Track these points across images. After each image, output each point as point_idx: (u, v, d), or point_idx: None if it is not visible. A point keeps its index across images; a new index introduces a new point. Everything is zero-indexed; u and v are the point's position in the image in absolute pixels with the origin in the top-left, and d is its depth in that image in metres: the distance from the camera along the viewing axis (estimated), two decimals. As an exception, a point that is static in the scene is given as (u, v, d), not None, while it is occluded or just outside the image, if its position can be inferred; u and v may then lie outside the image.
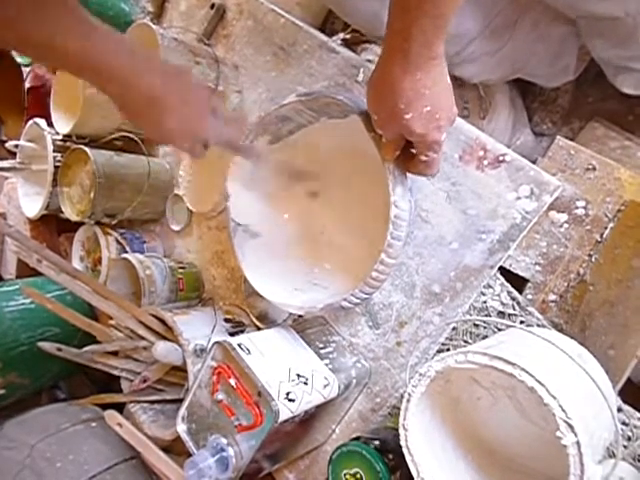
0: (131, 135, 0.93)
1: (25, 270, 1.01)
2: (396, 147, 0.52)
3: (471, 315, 0.61)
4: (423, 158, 0.51)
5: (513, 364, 0.42)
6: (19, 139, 1.00)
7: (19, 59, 0.95)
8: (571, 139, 0.76)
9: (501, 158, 0.58)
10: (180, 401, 0.61)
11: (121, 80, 0.49)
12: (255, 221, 0.70)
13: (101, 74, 0.49)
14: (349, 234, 0.69)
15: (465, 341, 0.62)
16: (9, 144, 1.00)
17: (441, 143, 0.50)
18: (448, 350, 0.62)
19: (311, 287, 0.67)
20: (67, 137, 0.92)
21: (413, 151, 0.52)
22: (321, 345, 0.66)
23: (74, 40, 0.47)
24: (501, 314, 0.61)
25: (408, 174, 0.55)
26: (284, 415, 0.52)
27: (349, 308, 0.59)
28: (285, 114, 0.63)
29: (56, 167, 0.91)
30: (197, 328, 0.71)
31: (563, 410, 0.40)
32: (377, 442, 0.56)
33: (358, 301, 0.57)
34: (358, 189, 0.67)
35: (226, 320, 0.77)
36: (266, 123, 0.64)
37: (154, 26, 0.71)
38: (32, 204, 0.99)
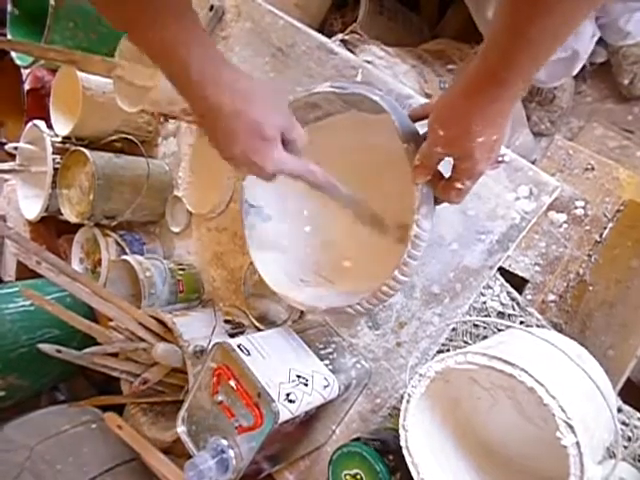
0: (130, 137, 0.93)
1: (25, 272, 1.01)
2: (432, 168, 0.50)
3: (471, 316, 0.61)
4: (458, 185, 0.49)
5: (513, 364, 0.42)
6: (18, 141, 1.00)
7: (18, 61, 0.95)
8: (570, 139, 0.76)
9: (500, 158, 0.57)
10: (180, 403, 0.61)
11: (209, 89, 0.46)
12: (269, 204, 0.68)
13: (194, 78, 0.46)
14: (365, 239, 0.66)
15: (465, 342, 0.62)
16: (8, 146, 1.00)
17: (481, 175, 0.48)
18: (448, 351, 0.62)
19: (317, 280, 0.65)
20: (66, 139, 0.92)
21: (445, 175, 0.50)
22: (321, 346, 0.66)
23: (187, 46, 0.45)
24: (501, 314, 0.61)
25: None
26: (284, 416, 0.52)
27: (349, 314, 0.58)
28: (315, 101, 0.61)
29: (55, 169, 0.91)
30: (197, 329, 0.71)
31: (563, 410, 0.40)
32: (377, 443, 0.56)
33: (363, 311, 0.57)
34: (377, 189, 0.64)
35: (226, 321, 0.77)
36: (294, 108, 0.61)
37: None
38: (31, 206, 0.99)
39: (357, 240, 0.67)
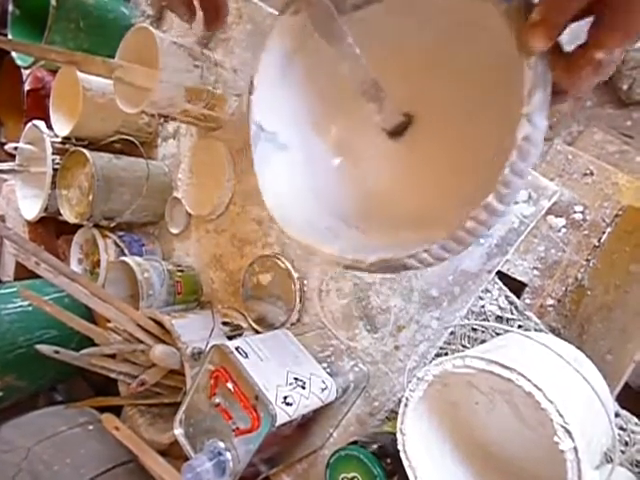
0: (130, 138, 0.93)
1: (23, 272, 1.01)
2: (558, 28, 0.31)
3: (469, 319, 0.61)
4: (599, 55, 0.30)
5: (511, 369, 0.42)
6: (18, 141, 1.00)
7: (19, 61, 0.95)
8: (569, 144, 0.77)
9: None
10: (178, 404, 0.61)
11: None
12: (285, 129, 0.52)
13: None
14: (413, 174, 0.49)
15: (463, 345, 0.62)
16: (8, 146, 1.00)
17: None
18: (446, 354, 0.62)
19: (347, 229, 0.49)
20: (66, 139, 0.92)
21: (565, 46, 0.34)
22: (319, 349, 0.66)
23: None
24: (499, 318, 0.61)
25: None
26: (282, 419, 0.52)
27: (410, 269, 0.41)
28: None
29: (55, 169, 0.91)
30: (195, 331, 0.71)
31: (560, 415, 0.40)
32: (375, 446, 0.56)
33: (431, 260, 0.39)
34: (447, 115, 0.46)
35: (224, 323, 0.77)
36: None
37: (153, 30, 0.71)
38: (30, 206, 0.99)
39: (399, 174, 0.50)
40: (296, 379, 0.58)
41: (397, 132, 0.49)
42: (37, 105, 1.06)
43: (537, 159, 0.35)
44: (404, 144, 0.49)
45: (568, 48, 0.33)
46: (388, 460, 0.54)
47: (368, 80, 0.45)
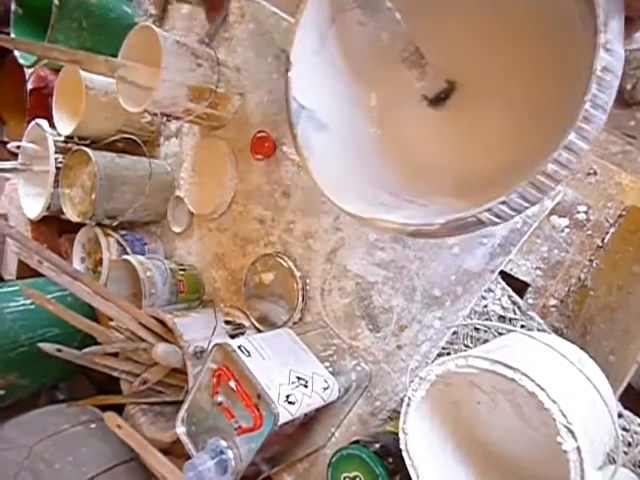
0: (133, 137, 0.93)
1: (26, 271, 1.01)
2: None
3: (472, 319, 0.61)
4: None
5: (513, 369, 0.42)
6: (21, 140, 1.00)
7: (22, 60, 0.95)
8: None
9: None
10: (180, 403, 0.61)
11: None
12: (324, 106, 0.50)
13: None
14: (479, 143, 0.47)
15: (466, 345, 0.62)
16: (11, 145, 1.00)
17: None
18: (449, 354, 0.62)
19: (400, 202, 0.47)
20: (69, 138, 0.93)
21: None
22: (321, 348, 0.66)
23: None
24: (502, 318, 0.61)
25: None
26: (284, 418, 0.52)
27: (486, 225, 0.38)
28: None
29: (57, 168, 0.91)
30: (197, 330, 0.71)
31: (564, 415, 0.40)
32: (377, 446, 0.56)
33: (509, 213, 0.36)
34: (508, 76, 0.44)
35: (226, 322, 0.77)
36: None
37: (156, 28, 0.71)
38: (33, 205, 0.99)
39: (447, 141, 0.48)
40: (298, 378, 0.58)
41: (439, 100, 0.48)
42: (40, 104, 1.06)
43: (614, 93, 0.33)
44: (448, 111, 0.48)
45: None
46: (390, 459, 0.54)
47: (409, 46, 0.44)
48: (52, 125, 0.94)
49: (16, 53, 0.98)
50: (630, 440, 0.55)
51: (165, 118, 0.93)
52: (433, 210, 0.44)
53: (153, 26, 0.71)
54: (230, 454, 0.54)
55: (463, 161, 0.47)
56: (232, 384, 0.55)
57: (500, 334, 0.59)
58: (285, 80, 0.48)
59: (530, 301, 0.70)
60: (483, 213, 0.36)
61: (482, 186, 0.41)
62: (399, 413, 0.49)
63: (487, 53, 0.45)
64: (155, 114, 0.77)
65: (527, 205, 0.36)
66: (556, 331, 0.67)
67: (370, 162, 0.50)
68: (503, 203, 0.35)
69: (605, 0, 0.32)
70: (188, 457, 0.56)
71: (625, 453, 0.54)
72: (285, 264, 0.74)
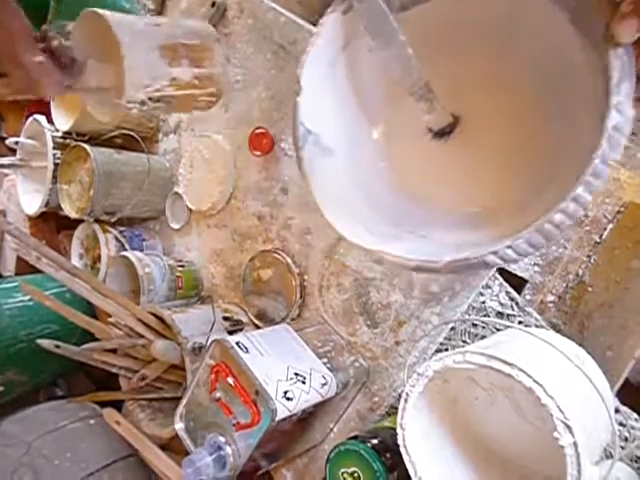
0: (131, 133, 0.93)
1: (24, 267, 1.01)
2: None
3: (470, 315, 0.61)
4: None
5: (511, 364, 0.42)
6: (19, 136, 1.00)
7: None
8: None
9: None
10: (178, 399, 0.61)
11: None
12: (330, 131, 0.50)
13: None
14: (488, 174, 0.47)
15: (464, 341, 0.62)
16: (9, 141, 1.00)
17: None
18: (446, 350, 0.62)
19: (403, 235, 0.47)
20: (67, 134, 0.92)
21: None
22: (319, 344, 0.66)
23: None
24: (500, 314, 0.61)
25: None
26: (282, 414, 0.52)
27: (491, 267, 0.40)
28: None
29: (56, 164, 0.91)
30: (195, 326, 0.71)
31: (561, 411, 0.40)
32: (375, 441, 0.56)
33: (514, 257, 0.37)
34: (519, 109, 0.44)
35: (225, 318, 0.77)
36: None
37: (101, 11, 0.62)
38: (31, 201, 0.99)
39: (450, 175, 0.49)
40: (296, 374, 0.58)
41: (443, 133, 0.49)
42: (38, 100, 1.06)
43: (621, 151, 0.35)
44: (451, 145, 0.49)
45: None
46: (388, 455, 0.54)
47: (419, 81, 0.44)
48: (50, 121, 0.94)
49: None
50: (627, 435, 0.55)
51: (158, 104, 0.74)
52: (432, 243, 0.45)
53: (101, 12, 0.63)
54: (228, 450, 0.54)
55: (465, 196, 0.48)
56: (230, 380, 0.55)
57: (498, 330, 0.59)
58: (294, 104, 0.49)
59: (528, 297, 0.71)
60: (489, 256, 0.37)
61: (484, 223, 0.42)
62: (397, 409, 0.50)
63: (495, 95, 0.46)
64: (143, 102, 0.66)
65: (531, 251, 0.37)
66: (554, 327, 0.67)
67: (373, 190, 0.51)
68: (509, 247, 0.36)
69: (620, 63, 0.34)
70: (187, 453, 0.56)
71: (622, 448, 0.55)
72: (283, 260, 0.74)
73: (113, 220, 0.91)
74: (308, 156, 0.49)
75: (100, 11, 0.63)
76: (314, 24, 0.78)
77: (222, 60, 0.73)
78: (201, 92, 0.73)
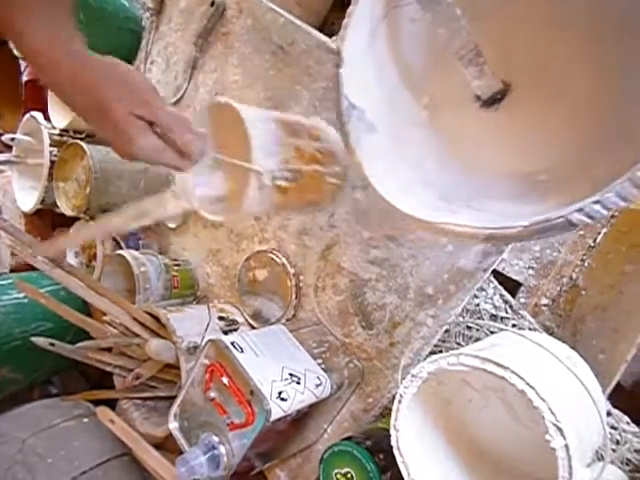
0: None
1: (19, 264, 1.00)
2: None
3: (464, 317, 0.61)
4: None
5: (504, 367, 0.43)
6: (15, 132, 1.00)
7: (17, 52, 0.94)
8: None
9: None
10: (173, 398, 0.61)
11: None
12: (373, 106, 0.47)
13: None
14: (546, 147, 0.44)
15: (458, 343, 0.62)
16: (5, 137, 1.00)
17: None
18: (441, 352, 0.62)
19: (458, 209, 0.44)
20: (64, 131, 0.92)
21: None
22: (314, 345, 0.66)
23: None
24: (494, 317, 0.61)
25: None
26: (276, 414, 0.52)
27: (576, 226, 0.36)
28: None
29: (52, 161, 0.91)
30: (191, 326, 0.71)
31: (552, 413, 0.40)
32: (368, 442, 0.56)
33: (603, 213, 0.34)
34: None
35: (220, 318, 0.77)
36: None
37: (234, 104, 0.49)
38: (27, 198, 0.99)
39: (501, 144, 0.47)
40: (291, 375, 0.58)
41: (493, 101, 0.46)
42: (35, 96, 1.06)
43: None
44: (502, 113, 0.47)
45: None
46: (381, 456, 0.54)
47: (468, 43, 0.42)
48: (47, 118, 0.94)
49: (11, 44, 0.97)
50: (618, 438, 0.55)
51: (285, 174, 0.54)
52: (493, 214, 0.42)
53: (227, 100, 0.52)
54: (222, 449, 0.54)
55: (518, 164, 0.45)
56: (225, 380, 0.55)
57: (492, 333, 0.60)
58: (336, 77, 0.46)
59: (522, 300, 0.71)
60: (574, 214, 0.34)
61: (548, 191, 0.39)
62: (391, 410, 0.50)
63: (547, 55, 0.44)
64: (273, 176, 0.50)
65: (622, 203, 0.33)
66: (547, 330, 0.67)
67: (421, 166, 0.48)
68: (597, 203, 0.33)
69: None
70: (181, 452, 0.56)
71: (613, 451, 0.55)
72: (279, 261, 0.74)
73: (109, 218, 0.91)
74: (354, 131, 0.47)
75: (233, 103, 0.51)
76: (313, 25, 0.78)
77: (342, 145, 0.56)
78: (327, 170, 0.59)
